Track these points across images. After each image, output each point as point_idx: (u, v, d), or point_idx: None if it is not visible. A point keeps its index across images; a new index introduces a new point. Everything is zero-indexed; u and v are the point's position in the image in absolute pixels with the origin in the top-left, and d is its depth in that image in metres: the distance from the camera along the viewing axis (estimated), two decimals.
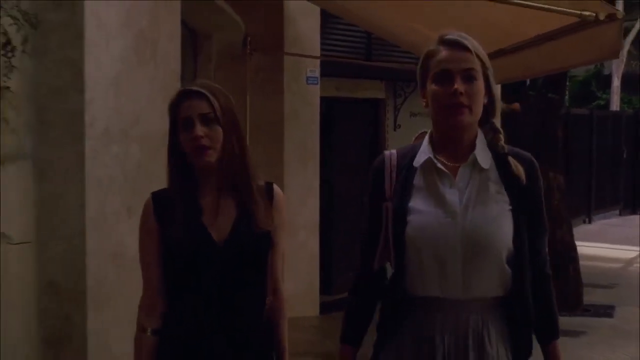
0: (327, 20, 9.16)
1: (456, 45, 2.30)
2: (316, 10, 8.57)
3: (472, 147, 2.33)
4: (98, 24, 3.16)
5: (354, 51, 10.24)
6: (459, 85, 2.24)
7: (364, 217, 2.47)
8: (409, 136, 11.56)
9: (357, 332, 2.49)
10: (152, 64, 3.71)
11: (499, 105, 2.40)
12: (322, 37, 9.11)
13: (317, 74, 9.16)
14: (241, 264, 2.43)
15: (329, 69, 9.33)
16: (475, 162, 2.31)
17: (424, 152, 2.36)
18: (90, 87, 3.14)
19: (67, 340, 3.16)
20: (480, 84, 2.29)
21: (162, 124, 2.58)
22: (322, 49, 9.21)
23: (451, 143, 2.35)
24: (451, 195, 2.29)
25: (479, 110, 2.30)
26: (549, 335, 2.41)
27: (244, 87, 7.53)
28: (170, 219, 2.41)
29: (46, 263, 3.12)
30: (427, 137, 2.40)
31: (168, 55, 3.90)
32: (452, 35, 2.33)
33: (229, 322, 2.42)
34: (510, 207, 2.29)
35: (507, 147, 2.37)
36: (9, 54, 2.53)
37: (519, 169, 2.30)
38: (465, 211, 2.28)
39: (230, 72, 7.37)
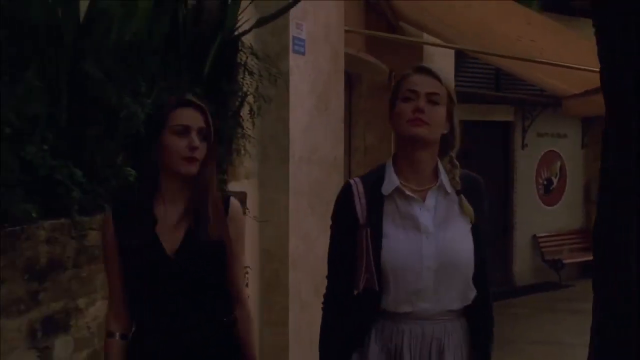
0: (462, 57, 10.69)
1: (426, 72, 2.44)
2: (451, 51, 10.09)
3: (435, 174, 2.46)
4: (295, 92, 5.10)
5: (485, 83, 11.85)
6: (423, 104, 2.37)
7: (330, 242, 2.51)
8: (536, 154, 13.36)
9: (341, 356, 2.49)
10: (326, 114, 5.65)
11: (458, 138, 2.51)
12: (457, 71, 10.52)
13: None
14: (193, 274, 2.43)
15: (463, 97, 10.92)
16: (441, 187, 2.44)
17: (391, 181, 2.45)
18: (292, 132, 5.12)
19: (276, 287, 5.14)
20: (442, 109, 2.41)
21: (331, 152, 4.26)
22: (457, 81, 10.63)
23: (414, 169, 2.46)
24: (423, 218, 2.41)
25: (437, 131, 2.42)
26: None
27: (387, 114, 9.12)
28: (127, 229, 2.43)
29: (265, 238, 5.09)
30: (390, 165, 2.50)
31: (335, 107, 5.85)
32: (427, 65, 2.51)
33: (187, 331, 2.44)
34: (470, 227, 2.43)
35: (460, 175, 2.48)
36: (252, 117, 4.46)
37: (466, 205, 2.44)
38: (437, 230, 2.40)
39: (377, 100, 8.77)
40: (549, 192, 13.71)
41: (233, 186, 4.50)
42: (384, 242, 2.39)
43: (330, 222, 2.49)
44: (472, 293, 2.44)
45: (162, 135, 2.41)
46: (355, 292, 2.42)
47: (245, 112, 4.44)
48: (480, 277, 2.44)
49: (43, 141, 2.77)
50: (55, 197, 2.89)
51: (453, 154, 2.49)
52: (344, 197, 2.47)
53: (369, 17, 9.31)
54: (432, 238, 2.38)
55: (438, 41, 9.58)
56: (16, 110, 2.53)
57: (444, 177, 2.44)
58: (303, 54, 5.12)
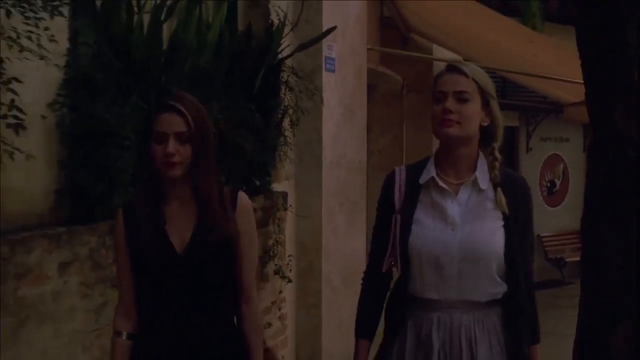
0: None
1: (454, 70, 2.47)
2: (459, 60, 10.83)
3: (473, 167, 2.49)
4: (326, 105, 5.83)
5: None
6: (450, 104, 2.41)
7: (374, 225, 2.62)
8: (540, 157, 13.98)
9: (369, 326, 2.63)
10: (351, 123, 6.38)
11: (501, 130, 2.55)
12: None
13: None
14: (202, 271, 2.42)
15: None
16: (475, 182, 2.47)
17: (428, 171, 2.53)
18: (324, 140, 5.85)
19: (311, 274, 5.87)
20: (472, 105, 2.44)
21: (356, 157, 4.91)
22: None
23: (452, 163, 2.51)
24: (452, 210, 2.47)
25: (470, 128, 2.45)
26: (532, 339, 2.58)
27: (401, 119, 9.62)
28: (136, 228, 2.44)
29: (301, 232, 5.82)
30: (432, 157, 2.56)
31: (359, 117, 6.58)
32: (457, 63, 2.55)
33: (194, 330, 2.43)
34: (503, 224, 2.45)
35: (500, 173, 2.51)
36: (292, 127, 5.17)
37: (501, 197, 2.46)
38: (463, 224, 2.45)
39: (391, 107, 9.53)
40: (552, 194, 14.20)
41: (276, 187, 5.22)
42: (413, 229, 2.47)
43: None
44: (500, 288, 2.47)
45: (149, 141, 2.41)
46: (384, 271, 2.55)
47: (286, 123, 5.16)
48: (513, 274, 2.47)
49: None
50: None
51: (496, 145, 2.53)
52: (386, 184, 2.59)
53: (383, 31, 10.04)
54: (457, 231, 2.44)
55: (447, 54, 10.29)
56: (128, 127, 3.25)
57: (480, 172, 2.48)
58: (333, 71, 5.85)
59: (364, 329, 2.63)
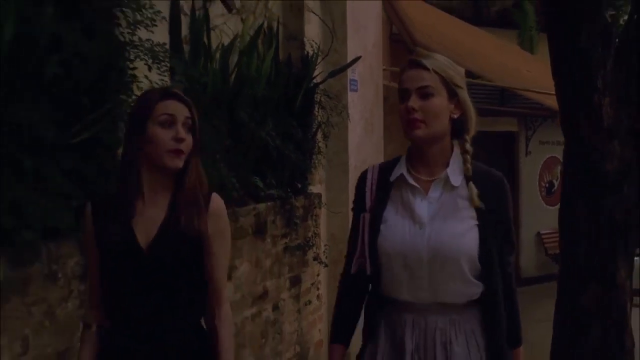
0: (471, 76, 12.18)
1: (415, 65, 2.35)
2: (462, 70, 11.87)
3: (446, 164, 2.37)
4: (352, 120, 6.87)
5: (491, 98, 13.40)
6: (413, 102, 2.30)
7: (350, 226, 2.53)
8: (538, 160, 14.89)
9: (345, 331, 2.53)
10: (371, 134, 7.45)
11: (473, 121, 2.42)
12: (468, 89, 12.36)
13: None
14: (166, 268, 2.34)
15: None
16: (447, 179, 2.36)
17: (399, 168, 2.42)
18: (349, 149, 6.91)
19: (340, 261, 6.84)
20: (437, 100, 2.32)
21: (375, 161, 5.83)
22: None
23: (424, 160, 2.40)
24: (420, 209, 2.35)
25: (437, 124, 2.33)
26: (513, 342, 2.47)
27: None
28: (104, 223, 2.37)
29: (332, 225, 6.84)
30: (405, 155, 2.46)
31: (377, 128, 7.66)
32: (417, 55, 2.40)
33: (159, 328, 2.36)
34: (477, 223, 2.33)
35: (474, 167, 2.39)
36: (324, 139, 6.20)
37: (473, 191, 2.34)
38: (432, 223, 2.32)
39: (397, 117, 10.57)
40: (551, 194, 14.99)
41: (312, 189, 6.25)
42: (382, 228, 2.38)
43: None
44: (476, 289, 2.37)
45: (146, 127, 2.33)
46: (352, 272, 2.46)
47: (319, 135, 6.19)
48: (489, 274, 2.37)
49: (221, 162, 4.53)
50: (226, 194, 4.66)
51: (468, 137, 2.42)
52: (359, 183, 2.53)
53: (392, 45, 11.11)
54: (425, 230, 2.34)
55: None
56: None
57: (453, 168, 2.38)
58: (356, 91, 6.88)
59: (337, 333, 2.55)
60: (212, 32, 4.93)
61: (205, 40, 4.78)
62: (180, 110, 2.37)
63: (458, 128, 2.43)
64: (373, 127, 7.46)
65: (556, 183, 15.09)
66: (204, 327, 2.53)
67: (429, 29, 10.57)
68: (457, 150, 2.43)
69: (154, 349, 2.39)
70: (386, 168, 2.50)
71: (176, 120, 2.35)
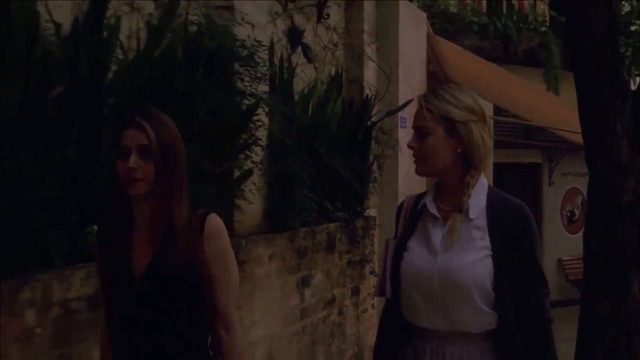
0: (499, 111, 12.96)
1: (419, 104, 2.43)
2: (490, 104, 12.73)
3: (463, 189, 2.40)
4: (402, 153, 7.84)
5: (517, 132, 14.20)
6: (411, 141, 2.41)
7: None
8: (560, 191, 15.59)
9: (387, 356, 2.56)
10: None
11: (478, 154, 2.38)
12: (495, 122, 13.07)
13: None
14: (161, 296, 2.32)
15: (500, 144, 13.23)
16: (466, 210, 2.38)
17: (426, 198, 2.48)
18: (399, 178, 7.86)
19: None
20: (432, 139, 2.36)
21: (419, 189, 6.82)
22: (494, 131, 13.27)
23: (445, 191, 2.46)
24: (436, 237, 2.40)
25: (436, 162, 2.38)
26: None
27: None
28: (106, 252, 2.40)
29: (383, 243, 7.78)
30: (434, 185, 2.51)
31: None
32: (423, 94, 2.47)
33: (156, 355, 2.34)
34: (491, 253, 2.35)
35: (494, 196, 2.44)
36: (379, 169, 7.17)
37: (455, 225, 2.38)
38: (445, 253, 2.37)
39: None
40: (572, 222, 15.65)
41: (369, 212, 7.22)
42: (405, 255, 2.44)
43: None
44: (490, 318, 2.38)
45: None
46: (378, 296, 2.52)
47: (375, 166, 7.16)
48: (501, 304, 2.36)
49: (308, 186, 5.51)
50: (307, 214, 5.64)
51: (473, 172, 2.41)
52: (397, 211, 2.62)
53: (430, 82, 12.06)
54: (439, 258, 2.38)
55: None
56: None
57: (473, 200, 2.40)
58: (405, 127, 7.85)
59: (378, 357, 2.61)
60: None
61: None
62: (133, 139, 2.31)
63: (463, 161, 2.42)
64: None
65: (577, 212, 15.71)
66: (210, 353, 2.45)
67: (460, 68, 11.53)
68: (482, 182, 2.45)
69: None
70: (419, 197, 2.57)
71: (130, 150, 2.31)
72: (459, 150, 2.40)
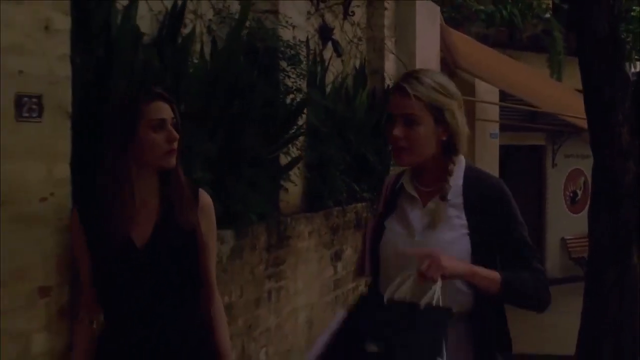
0: (504, 95, 13.54)
1: (399, 91, 2.32)
2: (496, 90, 13.29)
3: (444, 173, 2.35)
4: None
5: (522, 116, 14.64)
6: (397, 131, 2.29)
7: None
8: (563, 172, 16.06)
9: None
10: None
11: (461, 141, 2.36)
12: (501, 108, 13.69)
13: (497, 131, 13.65)
14: (164, 265, 2.37)
15: (505, 127, 13.85)
16: (443, 192, 2.33)
17: (403, 178, 2.45)
18: None
19: None
20: (421, 129, 2.29)
21: None
22: (500, 115, 13.81)
23: (423, 172, 2.40)
24: (414, 219, 2.36)
25: (422, 151, 2.32)
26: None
27: None
28: (96, 226, 2.38)
29: None
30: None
31: None
32: (402, 79, 2.36)
33: (157, 325, 2.37)
34: (468, 232, 2.31)
35: (471, 174, 2.38)
36: None
37: (440, 209, 2.33)
38: (422, 232, 2.33)
39: None
40: (575, 203, 16.07)
41: None
42: (383, 235, 2.43)
43: None
44: (467, 297, 2.32)
45: (136, 131, 2.34)
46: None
47: None
48: None
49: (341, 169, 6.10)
50: (338, 194, 6.23)
51: (455, 158, 2.37)
52: (379, 192, 2.63)
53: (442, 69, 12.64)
54: (417, 240, 2.34)
55: (486, 86, 12.94)
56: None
57: (452, 182, 2.36)
58: None
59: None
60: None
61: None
62: (167, 112, 2.39)
63: (446, 148, 2.38)
64: None
65: (579, 193, 16.13)
66: (202, 319, 2.55)
67: (469, 56, 12.09)
68: (461, 163, 2.41)
69: (154, 346, 2.40)
70: (399, 177, 2.52)
71: (166, 122, 2.38)
72: (444, 138, 2.37)
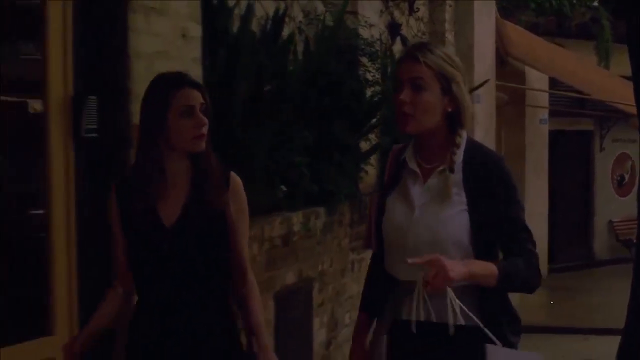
0: (554, 82, 14.04)
1: (409, 57, 2.33)
2: (546, 77, 13.72)
3: (447, 149, 2.33)
4: (476, 128, 8.99)
5: (572, 102, 14.98)
6: (404, 95, 2.28)
7: None
8: (611, 156, 16.32)
9: (371, 303, 2.54)
10: (488, 136, 9.52)
11: (467, 115, 2.34)
12: (551, 94, 14.05)
13: (546, 116, 14.04)
14: (191, 246, 2.40)
15: (555, 113, 14.21)
16: (444, 168, 2.31)
17: (406, 152, 2.42)
18: None
19: None
20: (428, 94, 2.28)
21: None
22: (550, 101, 14.18)
23: (425, 147, 2.38)
24: (414, 192, 2.35)
25: (427, 119, 2.30)
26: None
27: (501, 126, 11.95)
28: (129, 205, 2.44)
29: None
30: (414, 139, 2.41)
31: (490, 132, 9.70)
32: (413, 47, 2.39)
33: (185, 305, 2.40)
34: (466, 208, 2.29)
35: (473, 151, 2.35)
36: None
37: (449, 182, 2.31)
38: (422, 208, 2.32)
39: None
40: (622, 186, 16.28)
41: None
42: (386, 208, 2.41)
43: None
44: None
45: (166, 117, 2.39)
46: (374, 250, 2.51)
47: None
48: (483, 258, 2.30)
49: None
50: None
51: (461, 132, 2.36)
52: (383, 165, 2.61)
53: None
54: (417, 215, 2.33)
55: (537, 74, 13.41)
56: None
57: (452, 157, 2.33)
58: (479, 102, 8.95)
59: (364, 304, 2.62)
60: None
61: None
62: (196, 98, 2.43)
63: (452, 121, 2.37)
64: (489, 132, 9.53)
65: (626, 176, 16.32)
66: (230, 303, 2.56)
67: (521, 46, 12.54)
68: (463, 139, 2.38)
69: (182, 327, 2.42)
70: (401, 150, 2.50)
71: (194, 109, 2.41)
72: (449, 110, 2.34)
